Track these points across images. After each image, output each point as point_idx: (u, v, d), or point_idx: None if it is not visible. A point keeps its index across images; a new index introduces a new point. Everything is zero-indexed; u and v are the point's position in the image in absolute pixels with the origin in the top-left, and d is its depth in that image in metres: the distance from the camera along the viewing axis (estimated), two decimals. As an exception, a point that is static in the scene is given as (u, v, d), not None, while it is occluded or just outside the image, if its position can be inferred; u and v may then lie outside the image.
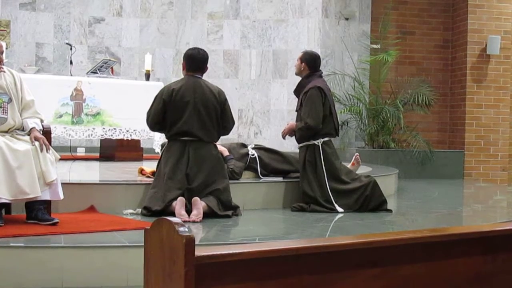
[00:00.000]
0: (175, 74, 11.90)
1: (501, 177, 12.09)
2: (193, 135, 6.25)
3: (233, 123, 6.56)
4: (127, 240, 4.80)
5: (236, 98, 11.98)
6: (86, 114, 8.84)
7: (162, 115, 6.31)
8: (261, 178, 7.22)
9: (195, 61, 6.44)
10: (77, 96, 8.79)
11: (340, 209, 6.77)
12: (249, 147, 7.41)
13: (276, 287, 2.64)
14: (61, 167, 6.57)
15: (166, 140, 6.51)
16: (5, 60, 5.73)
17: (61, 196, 5.43)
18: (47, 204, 5.41)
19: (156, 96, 6.41)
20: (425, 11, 12.45)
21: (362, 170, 8.25)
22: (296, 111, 7.22)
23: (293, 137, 7.20)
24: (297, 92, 7.21)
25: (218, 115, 6.36)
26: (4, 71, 5.52)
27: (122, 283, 4.52)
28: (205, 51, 6.56)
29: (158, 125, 6.40)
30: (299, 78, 7.24)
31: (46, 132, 5.60)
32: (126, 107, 9.03)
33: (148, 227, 2.61)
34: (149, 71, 9.79)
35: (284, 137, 7.29)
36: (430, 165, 11.56)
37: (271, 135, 12.01)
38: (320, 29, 11.88)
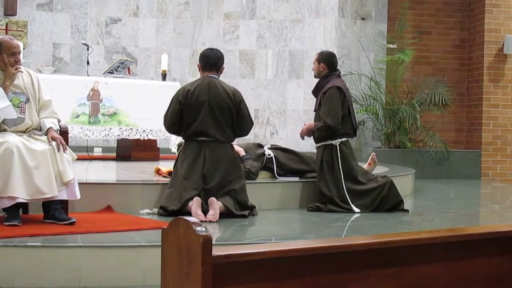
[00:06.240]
0: (192, 74, 11.92)
1: (518, 177, 12.03)
2: (209, 136, 6.25)
3: (252, 124, 6.54)
4: (144, 240, 4.82)
5: (252, 98, 11.97)
6: (103, 114, 8.87)
7: (179, 116, 6.31)
8: (277, 178, 7.22)
9: (209, 59, 6.46)
10: (94, 96, 8.83)
11: (356, 210, 6.75)
12: (265, 147, 7.40)
13: (292, 287, 2.64)
14: (78, 167, 6.60)
15: (183, 140, 6.52)
16: (22, 61, 5.76)
17: (78, 196, 5.45)
18: (64, 203, 5.43)
19: (172, 98, 6.42)
20: (441, 10, 12.40)
21: (379, 170, 8.23)
22: (315, 111, 7.20)
23: (311, 137, 7.19)
24: (315, 92, 7.19)
25: (233, 115, 6.35)
26: (22, 71, 5.54)
27: (139, 282, 4.53)
28: (218, 50, 6.59)
29: (175, 126, 6.39)
30: (316, 79, 7.23)
31: (63, 132, 5.62)
32: (142, 107, 9.05)
33: (165, 227, 2.62)
34: (165, 71, 9.81)
35: (302, 138, 7.27)
36: (447, 165, 11.51)
37: (287, 135, 12.01)
38: (336, 29, 11.86)
